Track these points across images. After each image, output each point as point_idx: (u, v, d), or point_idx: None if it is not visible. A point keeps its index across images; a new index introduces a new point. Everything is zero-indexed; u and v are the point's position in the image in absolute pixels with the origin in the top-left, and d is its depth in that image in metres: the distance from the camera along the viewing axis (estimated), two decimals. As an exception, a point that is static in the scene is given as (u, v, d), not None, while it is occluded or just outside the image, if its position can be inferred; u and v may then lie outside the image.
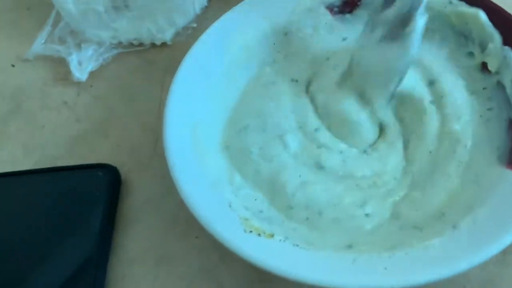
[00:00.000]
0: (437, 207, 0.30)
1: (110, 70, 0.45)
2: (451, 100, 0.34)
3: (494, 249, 0.26)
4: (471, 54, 0.35)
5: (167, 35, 0.44)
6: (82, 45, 0.45)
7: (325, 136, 0.34)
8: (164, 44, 0.45)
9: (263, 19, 0.38)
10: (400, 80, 0.33)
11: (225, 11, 0.39)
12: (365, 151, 0.34)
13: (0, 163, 0.40)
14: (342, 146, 0.34)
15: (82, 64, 0.44)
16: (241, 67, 0.38)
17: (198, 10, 0.46)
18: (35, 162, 0.40)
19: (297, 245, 0.30)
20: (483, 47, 0.34)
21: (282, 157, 0.34)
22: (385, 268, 0.27)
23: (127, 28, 0.44)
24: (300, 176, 0.33)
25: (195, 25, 0.45)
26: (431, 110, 0.34)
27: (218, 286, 0.33)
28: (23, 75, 0.46)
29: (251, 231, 0.30)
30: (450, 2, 0.36)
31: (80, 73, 0.43)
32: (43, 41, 0.46)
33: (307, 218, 0.31)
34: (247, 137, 0.35)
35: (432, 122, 0.33)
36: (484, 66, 0.35)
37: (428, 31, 0.33)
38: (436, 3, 0.36)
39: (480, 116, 0.33)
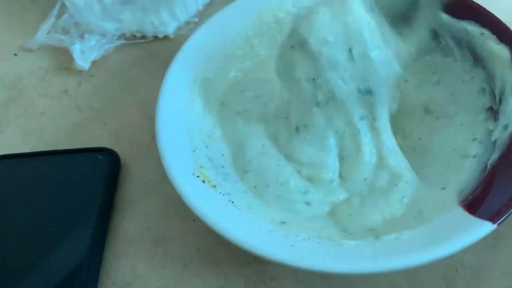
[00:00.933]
0: (370, 223, 0.31)
1: (112, 61, 0.45)
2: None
3: (393, 264, 0.26)
4: (483, 90, 0.34)
5: (170, 29, 0.45)
6: (85, 36, 0.45)
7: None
8: (166, 37, 0.46)
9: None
10: None
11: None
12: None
13: (0, 147, 0.41)
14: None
15: (84, 53, 0.44)
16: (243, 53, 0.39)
17: (200, 7, 0.47)
18: (33, 147, 0.41)
19: (232, 202, 0.31)
20: (501, 93, 0.32)
21: (258, 124, 0.35)
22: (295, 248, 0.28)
23: (131, 20, 0.45)
24: (264, 146, 0.35)
25: (196, 19, 0.47)
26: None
27: (215, 266, 0.33)
28: (24, 64, 0.47)
29: (198, 176, 0.31)
30: (482, 33, 0.34)
31: (82, 61, 0.44)
32: (46, 31, 0.47)
33: (256, 187, 0.33)
34: (241, 98, 0.37)
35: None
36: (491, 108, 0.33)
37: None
38: (470, 30, 0.34)
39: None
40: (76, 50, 0.44)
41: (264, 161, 0.34)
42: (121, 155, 0.39)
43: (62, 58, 0.46)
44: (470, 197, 0.29)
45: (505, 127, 0.31)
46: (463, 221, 0.27)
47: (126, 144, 0.40)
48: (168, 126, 0.33)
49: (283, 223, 0.31)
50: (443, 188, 0.31)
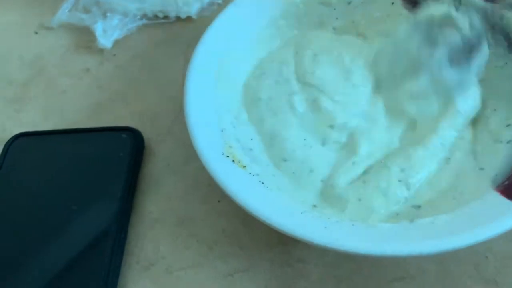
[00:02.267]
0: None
1: (134, 41, 0.45)
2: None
3: (426, 247, 0.26)
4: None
5: (193, 9, 0.45)
6: (107, 14, 0.45)
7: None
8: (189, 18, 0.46)
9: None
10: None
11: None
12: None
13: (20, 125, 0.41)
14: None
15: (107, 32, 0.44)
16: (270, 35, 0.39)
17: (224, -12, 0.46)
18: (54, 125, 0.40)
19: (263, 183, 0.31)
20: None
21: (287, 115, 0.34)
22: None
23: (154, 0, 0.44)
24: (305, 139, 0.34)
25: (220, 1, 0.46)
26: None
27: (240, 248, 0.33)
28: (45, 42, 0.46)
29: (227, 156, 0.31)
30: None
31: (105, 39, 0.44)
32: (67, 9, 0.47)
33: (294, 172, 0.32)
34: (261, 82, 0.36)
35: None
36: None
37: None
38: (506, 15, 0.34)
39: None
40: (99, 28, 0.44)
41: (310, 153, 0.33)
42: (144, 136, 0.38)
43: (83, 37, 0.46)
44: (506, 182, 0.28)
45: None
46: (500, 206, 0.27)
47: (148, 125, 0.39)
48: (196, 106, 0.33)
49: (314, 206, 0.30)
50: (481, 169, 0.30)
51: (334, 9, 0.39)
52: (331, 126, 0.33)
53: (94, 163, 0.36)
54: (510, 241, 0.31)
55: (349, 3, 0.39)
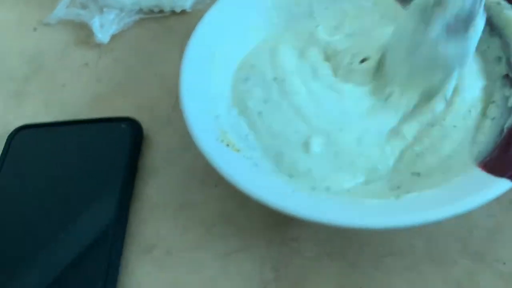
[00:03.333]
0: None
1: (131, 35, 0.46)
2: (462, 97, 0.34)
3: (411, 219, 0.28)
4: (499, 59, 0.35)
5: (187, 3, 0.46)
6: (104, 10, 0.46)
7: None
8: (183, 12, 0.47)
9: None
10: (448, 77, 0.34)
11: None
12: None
13: (22, 118, 0.42)
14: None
15: (104, 26, 0.45)
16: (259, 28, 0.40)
17: (217, -19, 0.48)
18: (55, 117, 0.42)
19: (256, 165, 0.32)
20: None
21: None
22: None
23: (149, -6, 0.46)
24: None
25: (214, -7, 0.47)
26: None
27: (237, 230, 0.34)
28: (44, 39, 0.48)
29: (222, 141, 0.32)
30: (498, 3, 0.35)
31: (102, 34, 0.45)
32: (65, 6, 0.48)
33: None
34: (248, 88, 0.37)
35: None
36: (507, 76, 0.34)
37: None
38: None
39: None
40: (96, 24, 0.45)
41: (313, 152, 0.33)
42: (142, 126, 0.40)
43: (81, 32, 0.47)
44: (488, 158, 0.30)
45: None
46: (482, 180, 0.28)
47: (147, 115, 0.41)
48: (191, 95, 0.34)
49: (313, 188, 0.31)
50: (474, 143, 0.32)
51: None
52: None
53: (94, 153, 0.38)
54: (493, 216, 0.33)
55: None
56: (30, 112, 0.43)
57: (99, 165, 0.37)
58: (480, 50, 0.35)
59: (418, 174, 0.31)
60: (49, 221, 0.35)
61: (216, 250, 0.33)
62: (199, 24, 0.38)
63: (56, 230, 0.34)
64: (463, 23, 0.32)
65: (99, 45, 0.46)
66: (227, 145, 0.32)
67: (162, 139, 0.40)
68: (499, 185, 0.27)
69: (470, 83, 0.34)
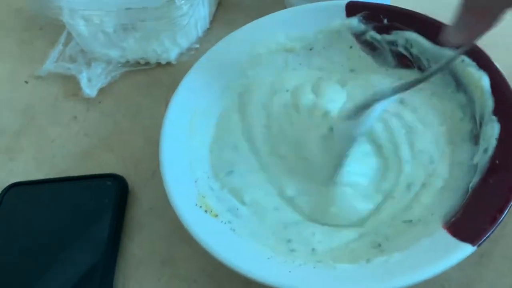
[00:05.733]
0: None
1: (118, 87, 0.48)
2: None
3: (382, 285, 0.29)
4: (463, 117, 0.36)
5: (172, 55, 0.48)
6: (92, 63, 0.48)
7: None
8: (169, 64, 0.48)
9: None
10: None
11: (227, 33, 0.42)
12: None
13: (14, 175, 0.43)
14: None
15: (91, 81, 0.47)
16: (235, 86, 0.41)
17: (200, 33, 0.49)
18: (46, 174, 0.43)
19: (234, 230, 0.33)
20: (481, 118, 0.34)
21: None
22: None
23: (134, 48, 0.47)
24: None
25: (197, 46, 0.49)
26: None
27: (218, 286, 0.35)
28: (35, 91, 0.49)
29: (200, 206, 0.34)
30: (462, 61, 0.36)
31: (90, 89, 0.46)
32: (55, 59, 0.49)
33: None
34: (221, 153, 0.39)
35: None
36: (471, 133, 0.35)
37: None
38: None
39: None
40: (84, 78, 0.47)
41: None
42: (127, 181, 0.41)
43: (70, 85, 0.48)
44: (453, 219, 0.31)
45: (485, 151, 0.33)
46: (447, 244, 0.29)
47: (132, 170, 0.42)
48: (171, 157, 0.35)
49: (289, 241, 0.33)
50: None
51: (298, 55, 0.42)
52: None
53: (81, 210, 0.39)
54: (464, 271, 0.33)
55: (310, 49, 0.41)
56: (22, 168, 0.44)
57: (86, 222, 0.38)
58: (444, 109, 0.36)
59: (386, 238, 0.32)
60: (37, 277, 0.36)
61: (199, 308, 0.35)
62: (180, 84, 0.40)
63: (45, 285, 0.36)
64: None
65: (87, 98, 0.47)
66: (205, 211, 0.33)
67: (146, 194, 0.41)
68: (462, 250, 0.28)
69: (431, 141, 0.35)
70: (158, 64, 0.48)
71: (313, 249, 0.32)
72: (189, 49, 0.49)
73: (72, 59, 0.49)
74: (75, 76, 0.48)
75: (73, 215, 0.39)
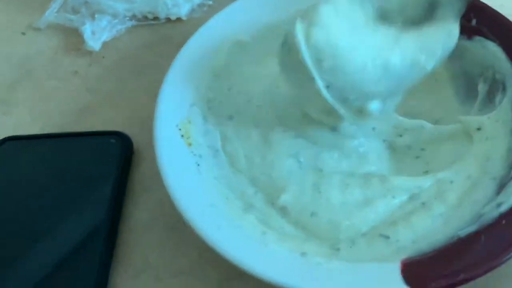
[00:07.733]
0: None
1: (123, 42, 0.45)
2: None
3: None
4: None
5: (183, 11, 0.45)
6: (96, 16, 0.44)
7: None
8: (179, 20, 0.45)
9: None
10: None
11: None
12: None
13: (7, 128, 0.40)
14: None
15: (95, 34, 0.44)
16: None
17: (215, -12, 0.46)
18: (41, 128, 0.40)
19: (198, 165, 0.33)
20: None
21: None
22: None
23: (143, 1, 0.44)
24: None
25: (210, 2, 0.46)
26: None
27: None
28: (33, 44, 0.46)
29: (180, 129, 0.34)
30: None
31: (93, 42, 0.43)
32: (55, 10, 0.46)
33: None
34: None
35: None
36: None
37: None
38: None
39: None
40: (87, 30, 0.44)
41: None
42: (133, 140, 0.38)
43: (72, 38, 0.45)
44: (417, 258, 0.27)
45: (499, 205, 0.28)
46: (390, 277, 0.26)
47: (137, 129, 0.39)
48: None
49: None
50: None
51: None
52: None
53: (82, 168, 0.36)
54: None
55: None
56: (17, 121, 0.41)
57: (86, 182, 0.35)
58: None
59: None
60: (33, 239, 0.33)
61: (208, 277, 0.32)
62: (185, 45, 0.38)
63: (40, 250, 0.33)
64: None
65: (90, 52, 0.44)
66: (182, 135, 0.33)
67: (153, 154, 0.38)
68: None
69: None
70: (168, 20, 0.45)
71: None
72: (201, 5, 0.45)
73: (75, 10, 0.46)
74: (77, 28, 0.45)
75: (73, 174, 0.36)
